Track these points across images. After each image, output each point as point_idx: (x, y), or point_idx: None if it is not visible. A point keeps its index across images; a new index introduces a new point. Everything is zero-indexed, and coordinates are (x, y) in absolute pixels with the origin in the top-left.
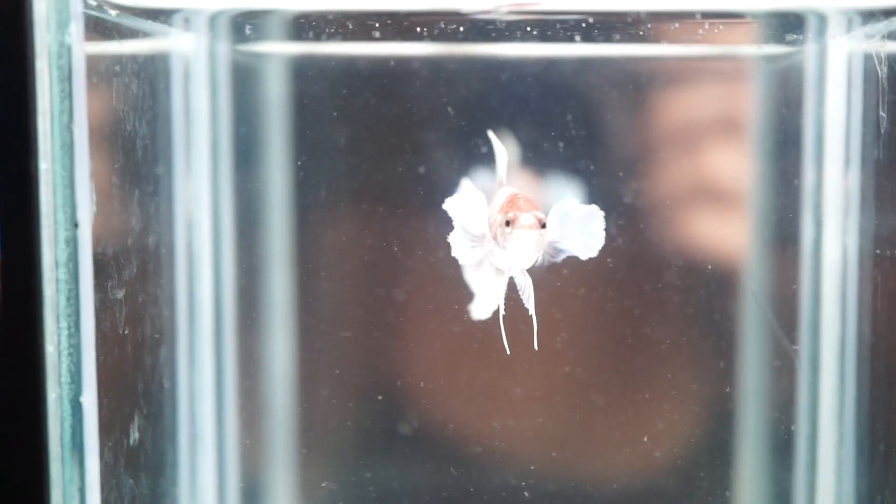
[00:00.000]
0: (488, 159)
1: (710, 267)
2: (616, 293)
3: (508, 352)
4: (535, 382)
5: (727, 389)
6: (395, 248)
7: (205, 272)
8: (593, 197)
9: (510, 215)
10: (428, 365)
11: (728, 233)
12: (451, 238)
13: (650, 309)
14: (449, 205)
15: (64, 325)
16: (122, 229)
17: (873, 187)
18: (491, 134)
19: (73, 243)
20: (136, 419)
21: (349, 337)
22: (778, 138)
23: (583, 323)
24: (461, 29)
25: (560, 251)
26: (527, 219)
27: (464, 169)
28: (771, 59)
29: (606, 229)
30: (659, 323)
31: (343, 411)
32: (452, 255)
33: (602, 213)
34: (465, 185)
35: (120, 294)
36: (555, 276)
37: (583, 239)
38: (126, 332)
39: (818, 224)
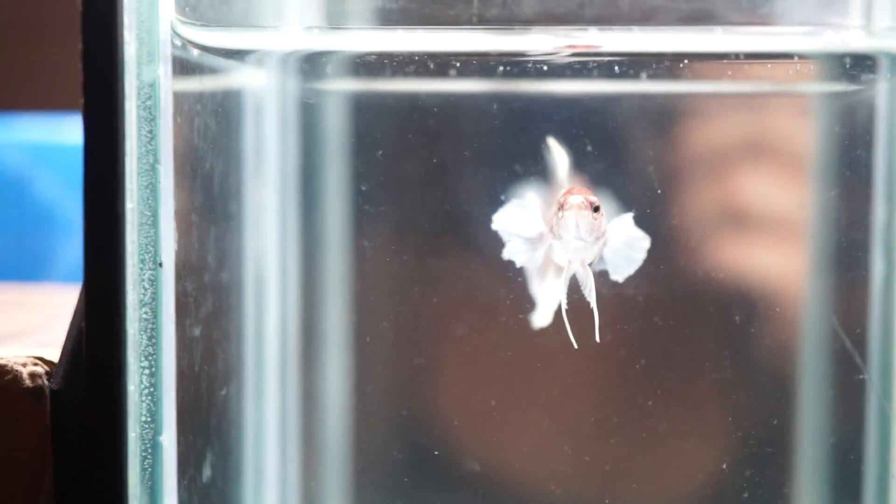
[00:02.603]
0: (542, 179)
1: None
2: (672, 321)
3: (575, 345)
4: (590, 422)
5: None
6: (454, 281)
7: (272, 306)
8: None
9: (562, 200)
10: (484, 403)
11: (788, 264)
12: (506, 251)
13: (708, 338)
14: (496, 222)
15: (145, 363)
16: (200, 266)
17: None
18: (551, 141)
19: (156, 282)
20: (209, 456)
21: (408, 373)
22: (846, 175)
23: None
24: (519, 68)
25: (602, 260)
26: (576, 199)
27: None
28: (840, 96)
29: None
30: (716, 352)
31: (401, 447)
32: (511, 276)
33: (648, 244)
34: (514, 200)
35: (197, 331)
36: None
37: (623, 260)
38: (201, 369)
39: (890, 263)
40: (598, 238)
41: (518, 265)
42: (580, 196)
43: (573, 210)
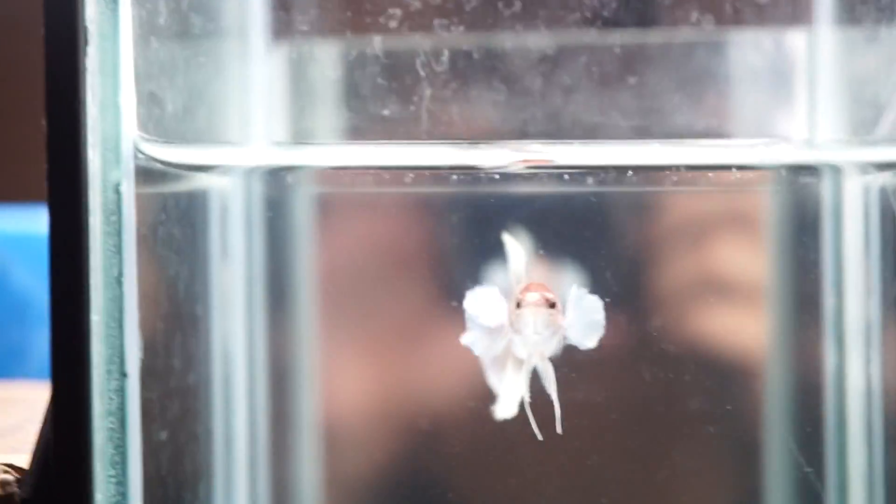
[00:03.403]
0: (503, 268)
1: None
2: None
3: (540, 437)
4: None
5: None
6: (422, 372)
7: (240, 405)
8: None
9: (520, 297)
10: (462, 479)
11: (746, 339)
12: (465, 337)
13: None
14: (467, 303)
15: (111, 472)
16: (166, 372)
17: (895, 319)
18: (506, 236)
19: (121, 392)
20: None
21: (381, 465)
22: (797, 265)
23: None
24: (472, 177)
25: (567, 340)
26: (532, 296)
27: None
28: (787, 193)
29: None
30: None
31: None
32: (474, 355)
33: (601, 304)
34: (481, 289)
35: (164, 435)
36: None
37: (585, 329)
38: (169, 472)
39: (840, 353)
40: (555, 332)
41: (476, 353)
42: (536, 293)
43: (530, 307)
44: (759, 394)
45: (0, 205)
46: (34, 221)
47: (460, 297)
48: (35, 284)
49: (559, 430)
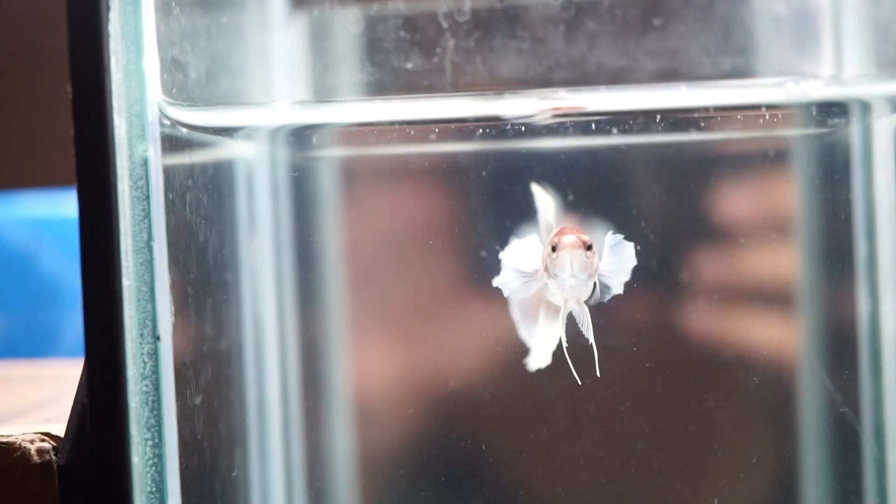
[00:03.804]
0: (532, 222)
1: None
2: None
3: (579, 382)
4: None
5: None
6: (452, 334)
7: (272, 371)
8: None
9: (555, 241)
10: (490, 453)
11: (779, 283)
12: (497, 279)
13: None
14: (503, 254)
15: (148, 435)
16: (198, 337)
17: None
18: (535, 187)
19: (155, 356)
20: None
21: (412, 429)
22: (827, 213)
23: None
24: (498, 130)
25: (606, 287)
26: (569, 238)
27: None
28: (816, 138)
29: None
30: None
31: (403, 495)
32: (504, 295)
33: (632, 245)
34: (519, 238)
35: (198, 400)
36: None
37: (617, 272)
38: (204, 437)
39: (874, 298)
40: (591, 276)
41: (506, 295)
42: (573, 235)
43: (567, 250)
44: (793, 339)
45: (29, 190)
46: (61, 206)
47: (489, 252)
48: (65, 268)
49: (597, 373)
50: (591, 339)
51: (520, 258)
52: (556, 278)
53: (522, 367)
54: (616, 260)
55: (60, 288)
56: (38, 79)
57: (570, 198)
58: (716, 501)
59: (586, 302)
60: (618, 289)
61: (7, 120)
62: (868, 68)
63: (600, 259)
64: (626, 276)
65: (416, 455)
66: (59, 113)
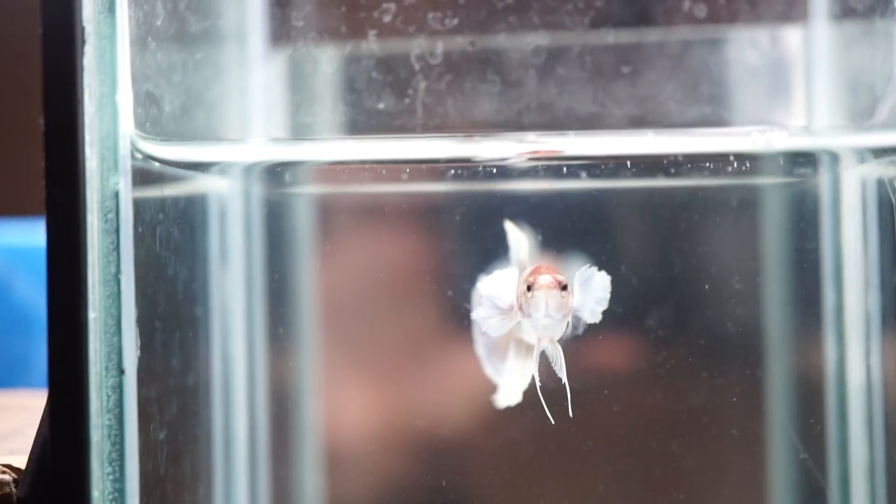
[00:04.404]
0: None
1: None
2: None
3: (553, 421)
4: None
5: None
6: (426, 373)
7: (240, 406)
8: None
9: (531, 280)
10: (464, 485)
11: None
12: (476, 314)
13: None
14: (482, 283)
15: (108, 469)
16: (164, 371)
17: (894, 310)
18: (508, 224)
19: (118, 389)
20: None
21: (382, 470)
22: (796, 263)
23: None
24: (470, 171)
25: (580, 321)
26: (545, 279)
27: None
28: (785, 188)
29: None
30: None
31: None
32: (480, 330)
33: (608, 279)
34: (487, 277)
35: (162, 435)
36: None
37: (591, 304)
38: (167, 472)
39: (841, 346)
40: (565, 315)
41: (484, 330)
42: (549, 276)
43: (542, 290)
44: (760, 387)
45: (2, 218)
46: (36, 235)
47: (461, 292)
48: (37, 297)
49: (570, 412)
50: (565, 379)
51: (497, 292)
52: (531, 317)
53: (494, 409)
54: (591, 293)
55: (32, 317)
56: (15, 107)
57: (541, 238)
58: None
59: (559, 340)
60: (593, 319)
61: None
62: (838, 119)
63: (573, 295)
64: (603, 306)
65: (388, 499)
66: (36, 142)
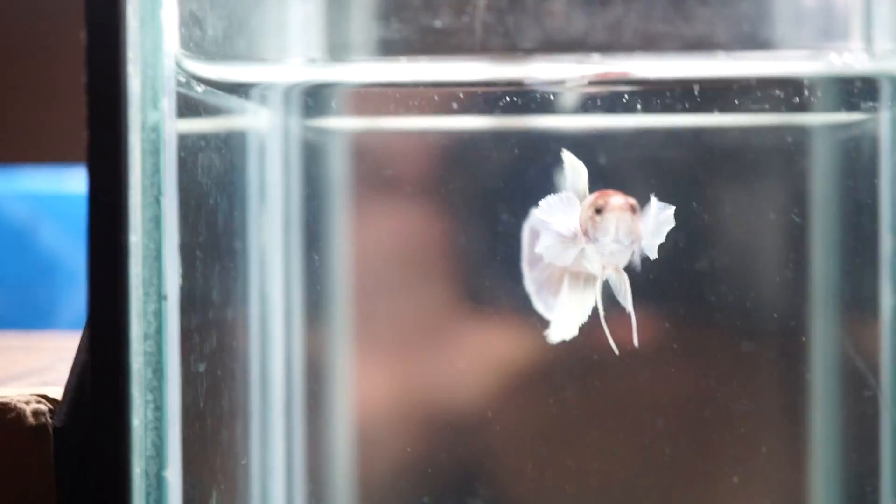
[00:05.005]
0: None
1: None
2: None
3: (616, 352)
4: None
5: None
6: (462, 319)
7: (277, 347)
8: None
9: (600, 202)
10: (496, 439)
11: (793, 297)
12: (539, 245)
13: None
14: (537, 212)
15: (150, 398)
16: (204, 302)
17: None
18: (566, 153)
19: (160, 316)
20: (215, 494)
21: (414, 412)
22: (853, 204)
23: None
24: (523, 100)
25: (645, 255)
26: (617, 200)
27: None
28: (844, 125)
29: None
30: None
31: (408, 488)
32: (545, 259)
33: (672, 212)
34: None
35: (202, 367)
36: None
37: (656, 237)
38: (206, 406)
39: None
40: (633, 241)
41: (548, 260)
42: (621, 197)
43: (615, 212)
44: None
45: (26, 166)
46: (60, 182)
47: (506, 234)
48: (63, 244)
49: (636, 343)
50: (630, 307)
51: (557, 219)
52: (597, 242)
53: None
54: (659, 227)
55: (58, 265)
56: (43, 58)
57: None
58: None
59: (624, 269)
60: (653, 253)
61: (10, 95)
62: None
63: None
64: (660, 238)
65: (421, 440)
66: (63, 90)
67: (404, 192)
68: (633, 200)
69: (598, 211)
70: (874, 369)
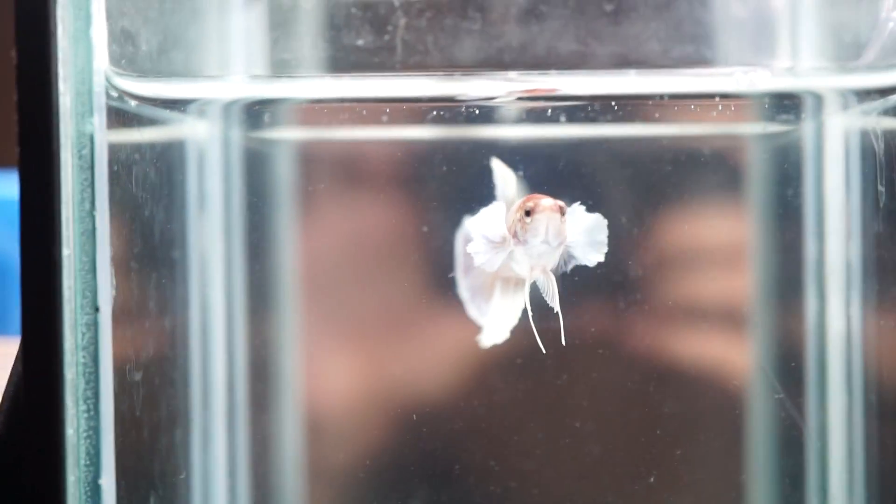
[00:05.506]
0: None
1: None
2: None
3: (543, 350)
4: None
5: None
6: (406, 321)
7: (218, 352)
8: None
9: (530, 204)
10: (441, 445)
11: (729, 295)
12: (470, 246)
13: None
14: (467, 223)
15: (83, 407)
16: (140, 312)
17: (875, 259)
18: (495, 161)
19: (93, 327)
20: (152, 500)
21: (360, 417)
22: (779, 212)
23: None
24: (452, 113)
25: (571, 257)
26: (547, 201)
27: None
28: (769, 137)
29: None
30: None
31: (355, 493)
32: (476, 262)
33: (605, 222)
34: (473, 217)
35: (138, 376)
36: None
37: (589, 246)
38: (143, 414)
39: (821, 296)
40: (561, 243)
41: (477, 263)
42: (551, 199)
43: (545, 213)
44: (741, 336)
45: None
46: (9, 187)
47: (444, 237)
48: (12, 248)
49: (563, 341)
50: (557, 308)
51: (486, 226)
52: (526, 244)
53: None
54: (585, 232)
55: (9, 269)
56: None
57: (525, 183)
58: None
59: (552, 271)
60: (594, 260)
61: None
62: (823, 63)
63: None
64: (603, 249)
65: (367, 445)
66: (4, 94)
67: (346, 201)
68: (561, 203)
69: (528, 213)
70: (798, 372)
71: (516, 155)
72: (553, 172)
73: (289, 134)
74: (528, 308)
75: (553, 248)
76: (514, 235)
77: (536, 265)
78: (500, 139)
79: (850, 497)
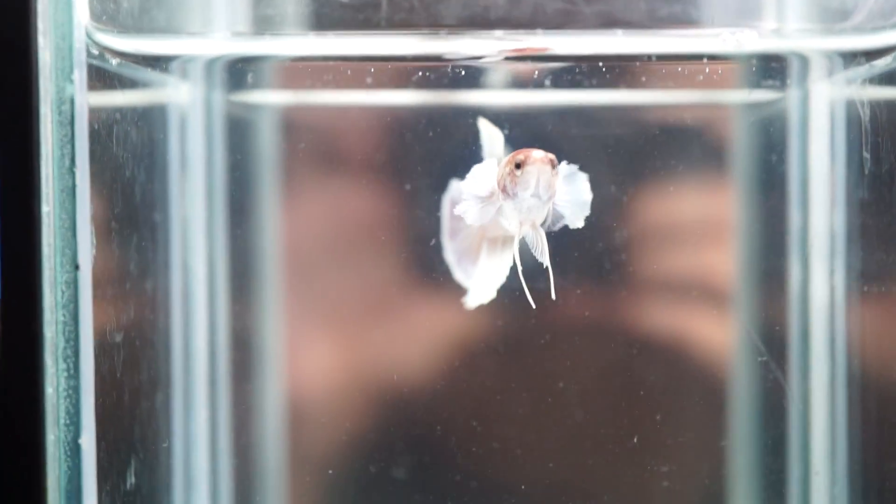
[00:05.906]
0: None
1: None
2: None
3: (533, 305)
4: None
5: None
6: (391, 286)
7: (200, 318)
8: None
9: (520, 157)
10: (427, 414)
11: (712, 265)
12: (459, 207)
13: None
14: (455, 183)
15: (63, 366)
16: (120, 273)
17: (859, 227)
18: (482, 121)
19: (73, 285)
20: (133, 464)
21: (343, 384)
22: (763, 181)
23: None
24: (450, 74)
25: (559, 216)
26: (538, 153)
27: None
28: (755, 105)
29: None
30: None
31: (337, 461)
32: (465, 220)
33: (586, 177)
34: (458, 183)
35: (118, 337)
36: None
37: (575, 205)
38: (123, 376)
39: (805, 265)
40: (550, 197)
41: (468, 222)
42: (541, 152)
43: (536, 165)
44: (725, 306)
45: None
46: None
47: (428, 201)
48: None
49: (553, 296)
50: (547, 263)
51: (474, 184)
52: (516, 198)
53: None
54: (573, 191)
55: None
56: None
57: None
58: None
59: (541, 226)
60: (577, 223)
61: None
62: (810, 25)
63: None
64: (586, 210)
65: (349, 411)
66: None
67: (332, 165)
68: (552, 156)
69: (518, 166)
70: (781, 340)
71: (502, 119)
72: (537, 138)
73: (272, 97)
74: (518, 263)
75: (543, 202)
76: (504, 190)
77: (526, 220)
78: (487, 104)
79: (832, 463)
